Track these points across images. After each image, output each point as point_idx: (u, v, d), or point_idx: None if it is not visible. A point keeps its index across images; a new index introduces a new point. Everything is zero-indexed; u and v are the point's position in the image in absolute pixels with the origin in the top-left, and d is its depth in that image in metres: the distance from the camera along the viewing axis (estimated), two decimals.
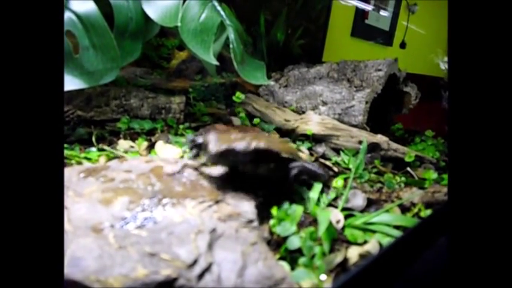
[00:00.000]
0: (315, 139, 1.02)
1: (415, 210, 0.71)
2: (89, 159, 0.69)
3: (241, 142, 0.54)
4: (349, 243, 0.57)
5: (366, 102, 1.12)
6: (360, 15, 2.28)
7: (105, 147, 0.73)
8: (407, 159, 1.02)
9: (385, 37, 2.55)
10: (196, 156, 0.59)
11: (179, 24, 0.78)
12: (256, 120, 1.12)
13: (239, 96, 1.17)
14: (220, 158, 0.53)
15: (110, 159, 0.70)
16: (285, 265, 0.47)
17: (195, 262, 0.39)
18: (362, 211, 0.68)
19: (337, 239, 0.56)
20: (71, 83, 0.70)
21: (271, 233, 0.53)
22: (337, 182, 0.74)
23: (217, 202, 0.51)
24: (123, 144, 0.79)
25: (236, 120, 1.11)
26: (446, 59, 3.09)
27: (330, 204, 0.67)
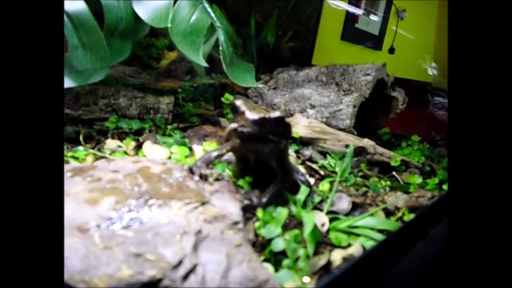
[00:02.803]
0: (302, 142, 1.03)
1: (399, 214, 0.73)
2: (76, 158, 0.69)
3: (276, 112, 0.58)
4: (333, 246, 0.57)
5: (354, 106, 1.14)
6: (350, 19, 2.29)
7: (91, 150, 0.73)
8: (393, 163, 1.03)
9: (374, 41, 2.57)
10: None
11: (169, 25, 0.79)
12: None
13: (228, 97, 1.18)
14: (255, 125, 0.56)
15: (97, 158, 0.70)
16: (269, 267, 0.48)
17: (179, 263, 0.39)
18: (347, 214, 0.68)
19: (321, 241, 0.57)
20: None
21: (256, 235, 0.54)
22: (323, 186, 0.75)
23: (203, 203, 0.51)
24: (110, 143, 0.79)
25: (224, 122, 1.11)
26: (434, 64, 3.12)
27: (315, 207, 0.67)
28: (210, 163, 0.64)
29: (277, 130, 0.58)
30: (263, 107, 1.07)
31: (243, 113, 0.57)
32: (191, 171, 0.60)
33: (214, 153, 0.65)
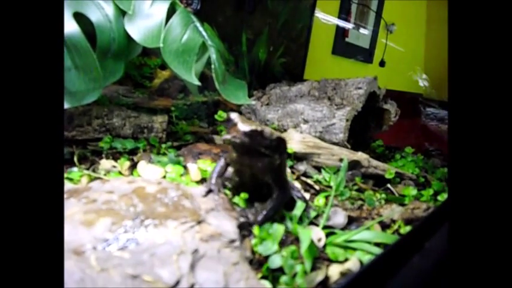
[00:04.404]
0: (296, 157, 1.03)
1: (395, 227, 0.73)
2: (70, 179, 0.68)
3: (267, 128, 0.60)
4: (330, 261, 0.57)
5: (347, 120, 1.14)
6: (341, 33, 2.32)
7: (85, 171, 0.73)
8: (387, 176, 1.04)
9: (365, 55, 2.60)
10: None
11: (161, 45, 0.79)
12: None
13: (221, 114, 1.18)
14: (246, 137, 0.58)
15: (92, 179, 0.70)
16: (266, 284, 0.48)
17: (177, 283, 0.39)
18: (343, 229, 0.69)
19: (318, 257, 0.57)
20: None
21: (253, 252, 0.54)
22: (319, 200, 0.75)
23: (199, 222, 0.51)
24: (105, 164, 0.78)
25: (218, 139, 1.11)
26: (424, 75, 3.16)
27: (311, 223, 0.67)
28: (218, 179, 0.66)
29: (269, 144, 0.60)
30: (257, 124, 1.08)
31: (235, 124, 0.59)
32: (209, 192, 0.63)
33: (216, 171, 0.67)
